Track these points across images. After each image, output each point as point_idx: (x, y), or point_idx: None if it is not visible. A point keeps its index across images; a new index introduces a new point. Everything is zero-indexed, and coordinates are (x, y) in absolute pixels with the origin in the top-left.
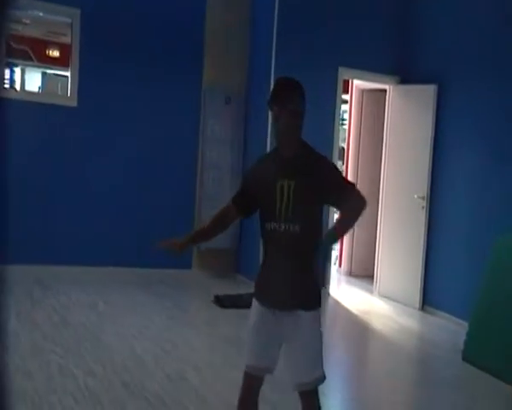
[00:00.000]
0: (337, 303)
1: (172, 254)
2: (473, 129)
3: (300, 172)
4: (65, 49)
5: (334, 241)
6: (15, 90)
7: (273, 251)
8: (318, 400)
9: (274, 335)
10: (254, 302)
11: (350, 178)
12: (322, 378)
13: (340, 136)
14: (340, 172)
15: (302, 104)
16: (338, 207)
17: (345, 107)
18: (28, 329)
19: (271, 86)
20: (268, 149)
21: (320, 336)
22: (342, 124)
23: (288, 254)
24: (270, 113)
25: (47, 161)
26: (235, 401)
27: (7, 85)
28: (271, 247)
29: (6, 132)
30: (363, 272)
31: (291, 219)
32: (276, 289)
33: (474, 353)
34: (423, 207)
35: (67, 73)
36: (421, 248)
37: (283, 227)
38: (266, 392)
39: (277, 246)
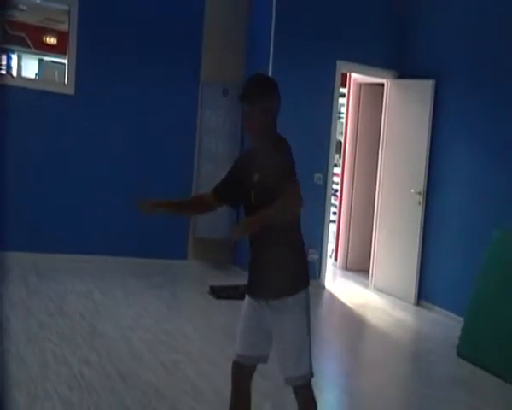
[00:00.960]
0: (332, 297)
1: (142, 211)
2: (470, 124)
3: (264, 165)
4: (62, 36)
5: (248, 225)
6: (12, 76)
7: (251, 244)
8: (313, 395)
9: (261, 324)
10: (247, 301)
11: (347, 171)
12: (309, 376)
13: (338, 129)
14: (288, 161)
15: (273, 102)
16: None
17: (342, 100)
18: (23, 317)
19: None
20: None
21: (303, 326)
22: (340, 117)
23: (260, 245)
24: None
25: (44, 148)
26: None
27: (3, 71)
28: (250, 239)
29: (4, 120)
30: (359, 266)
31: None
32: (255, 280)
33: (469, 348)
34: (420, 203)
35: (64, 61)
36: (417, 243)
37: None
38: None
39: (252, 238)
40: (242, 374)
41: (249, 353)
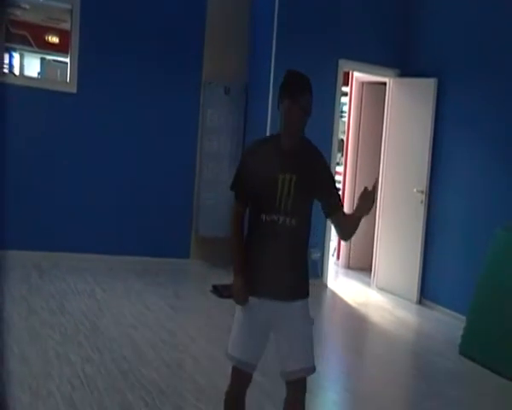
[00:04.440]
0: (335, 295)
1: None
2: (472, 123)
3: (302, 166)
4: (64, 35)
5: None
6: (14, 75)
7: (269, 243)
8: (304, 395)
9: (262, 327)
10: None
11: (349, 170)
12: (312, 369)
13: (340, 128)
14: (332, 172)
15: (311, 100)
16: (329, 207)
17: (344, 99)
18: (25, 315)
19: (271, 77)
20: None
21: (310, 325)
22: (342, 116)
23: (284, 246)
24: (279, 105)
25: (46, 147)
26: None
27: (6, 70)
28: (267, 238)
29: (5, 117)
30: (361, 265)
31: (290, 212)
32: (273, 280)
33: (471, 347)
34: (422, 202)
35: (67, 60)
36: (420, 241)
37: (282, 220)
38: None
39: (275, 238)
40: (240, 380)
41: (251, 359)
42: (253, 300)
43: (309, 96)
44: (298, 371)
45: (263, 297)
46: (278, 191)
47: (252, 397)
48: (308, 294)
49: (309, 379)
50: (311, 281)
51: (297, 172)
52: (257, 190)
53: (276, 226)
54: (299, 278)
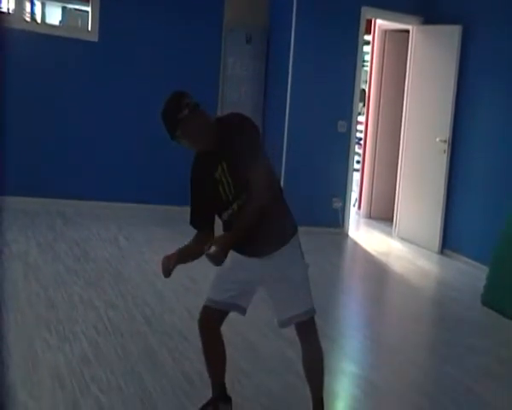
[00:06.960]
0: (356, 245)
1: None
2: (499, 72)
3: (226, 151)
4: None
5: (224, 251)
6: (36, 22)
7: (232, 220)
8: (316, 333)
9: (250, 276)
10: (232, 253)
11: (371, 120)
12: (309, 312)
13: (362, 77)
14: (253, 137)
15: (188, 112)
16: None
17: (367, 48)
18: (50, 260)
19: (293, 25)
20: (289, 89)
21: (303, 268)
22: (364, 65)
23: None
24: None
25: (68, 95)
26: (254, 337)
27: (28, 18)
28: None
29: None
30: (383, 215)
31: (238, 194)
32: (255, 248)
33: (494, 297)
34: (445, 151)
35: (88, 9)
36: (442, 191)
37: (236, 206)
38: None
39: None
40: (213, 318)
41: (223, 298)
42: (239, 256)
43: (184, 111)
44: (294, 316)
45: (251, 256)
46: (220, 187)
47: (274, 345)
48: (295, 230)
49: (330, 327)
50: (331, 230)
51: (224, 159)
52: (210, 200)
53: (237, 213)
54: (279, 230)
